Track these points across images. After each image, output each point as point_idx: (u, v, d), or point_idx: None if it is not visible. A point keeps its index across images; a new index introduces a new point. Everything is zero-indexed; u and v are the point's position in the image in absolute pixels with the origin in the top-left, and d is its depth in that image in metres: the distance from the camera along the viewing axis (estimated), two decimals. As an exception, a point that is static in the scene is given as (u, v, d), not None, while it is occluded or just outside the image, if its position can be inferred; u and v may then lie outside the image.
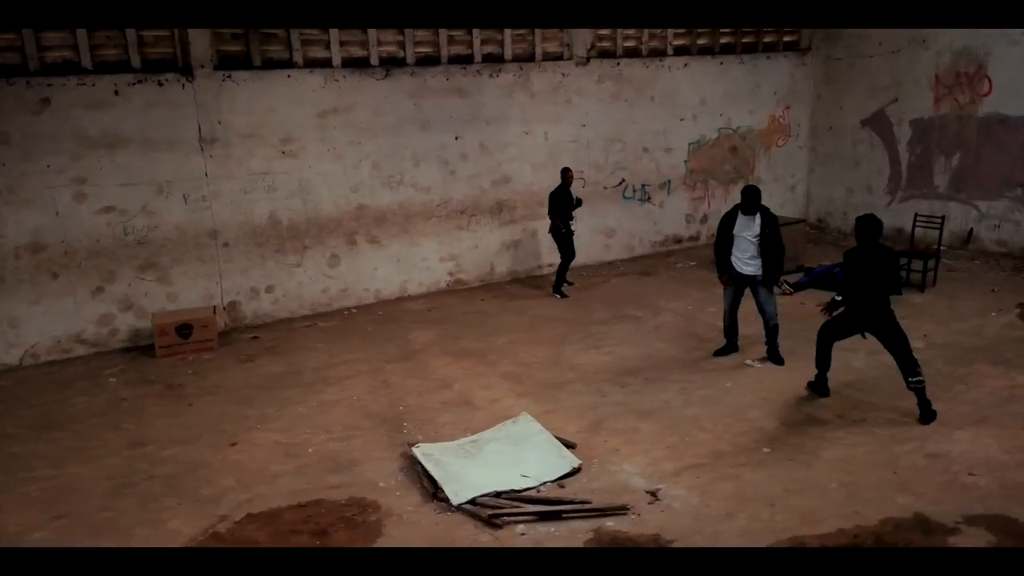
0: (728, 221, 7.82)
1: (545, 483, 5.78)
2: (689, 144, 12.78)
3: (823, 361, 6.97)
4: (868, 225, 6.41)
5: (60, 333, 8.86)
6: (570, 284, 11.02)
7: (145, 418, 7.26)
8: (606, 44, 11.77)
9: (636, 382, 7.61)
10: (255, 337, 9.46)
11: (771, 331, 7.89)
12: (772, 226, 7.62)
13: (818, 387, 7.09)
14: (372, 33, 9.96)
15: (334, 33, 9.75)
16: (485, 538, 5.16)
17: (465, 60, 10.69)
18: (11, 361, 8.67)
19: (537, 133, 11.33)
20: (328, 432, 6.81)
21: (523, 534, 5.20)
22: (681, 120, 12.60)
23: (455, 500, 5.51)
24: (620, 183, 12.24)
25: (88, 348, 9.03)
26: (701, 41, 12.60)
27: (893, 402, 6.84)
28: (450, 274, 11.13)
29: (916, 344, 8.12)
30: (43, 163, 8.46)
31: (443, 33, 10.42)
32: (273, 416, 7.20)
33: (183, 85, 9.03)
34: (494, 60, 10.89)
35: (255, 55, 9.38)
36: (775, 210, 13.43)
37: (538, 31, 11.09)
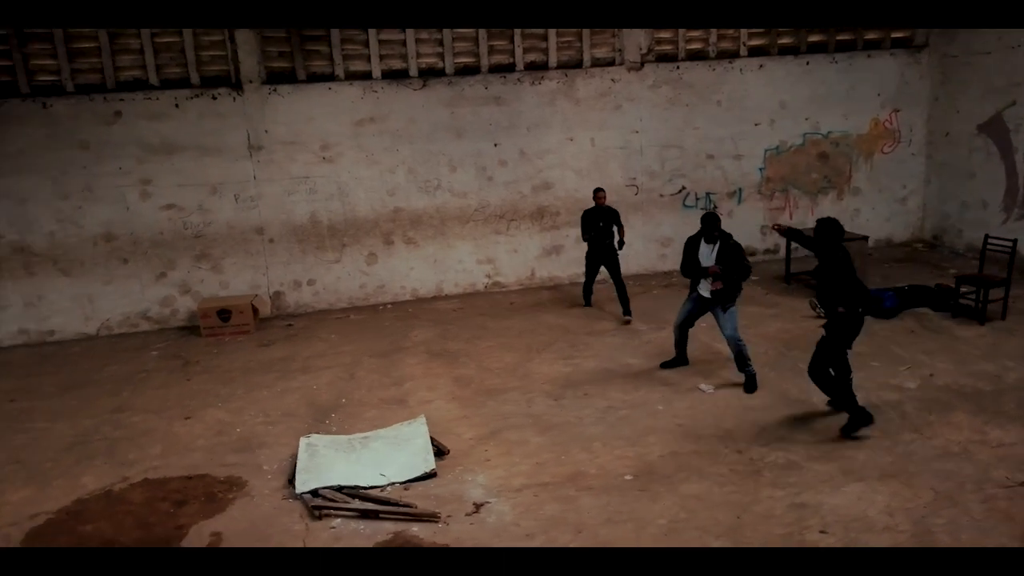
0: (692, 245, 7.55)
1: (393, 484, 6.05)
2: (765, 151, 12.02)
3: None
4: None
5: (129, 310, 10.42)
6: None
7: (143, 388, 8.42)
8: (666, 47, 11.43)
9: (571, 396, 7.52)
10: (289, 325, 10.46)
11: (738, 357, 7.40)
12: (732, 254, 7.22)
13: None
14: (411, 45, 10.55)
15: (374, 47, 10.46)
16: (299, 527, 5.56)
17: (506, 69, 10.93)
18: (89, 331, 10.36)
19: (582, 140, 11.29)
20: (266, 416, 7.51)
21: (333, 528, 5.53)
22: (756, 125, 11.87)
23: (298, 489, 5.96)
24: (680, 191, 11.81)
25: (152, 324, 10.52)
26: (783, 40, 11.80)
27: (816, 443, 6.25)
28: (488, 276, 11.44)
29: (910, 385, 7.30)
30: (115, 166, 10.00)
31: (484, 43, 10.76)
32: (238, 396, 8.03)
33: (234, 98, 10.19)
34: (537, 68, 11.02)
35: (300, 70, 10.35)
36: (879, 225, 12.38)
37: (587, 37, 11.06)
